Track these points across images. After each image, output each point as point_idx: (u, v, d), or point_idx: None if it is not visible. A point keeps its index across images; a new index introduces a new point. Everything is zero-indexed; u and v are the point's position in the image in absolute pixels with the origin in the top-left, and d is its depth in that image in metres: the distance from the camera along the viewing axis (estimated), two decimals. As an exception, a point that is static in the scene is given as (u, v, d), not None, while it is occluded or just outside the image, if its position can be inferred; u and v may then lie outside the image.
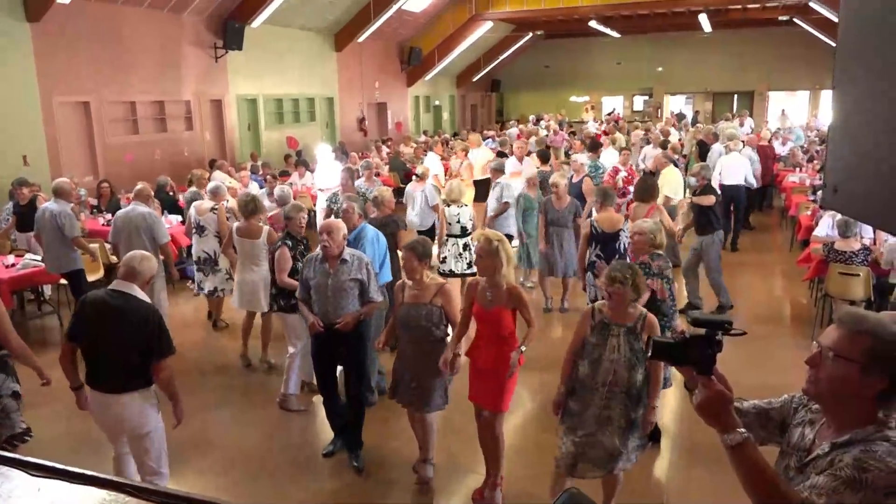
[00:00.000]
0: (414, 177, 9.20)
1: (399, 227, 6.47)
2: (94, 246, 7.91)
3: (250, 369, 6.52)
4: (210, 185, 7.77)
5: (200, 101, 14.28)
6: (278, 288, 5.66)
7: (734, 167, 10.64)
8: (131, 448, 3.97)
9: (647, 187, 7.07)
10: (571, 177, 9.13)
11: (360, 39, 18.61)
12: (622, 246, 6.27)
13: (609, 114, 27.04)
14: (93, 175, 11.63)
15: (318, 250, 4.73)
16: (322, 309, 4.70)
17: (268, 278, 6.36)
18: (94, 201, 10.34)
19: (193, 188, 8.79)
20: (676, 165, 10.72)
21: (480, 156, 11.81)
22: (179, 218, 9.49)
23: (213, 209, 7.36)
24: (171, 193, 10.21)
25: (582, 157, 10.09)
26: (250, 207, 6.26)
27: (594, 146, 11.13)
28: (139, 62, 12.59)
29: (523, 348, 4.10)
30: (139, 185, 7.15)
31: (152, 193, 7.32)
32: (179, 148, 13.81)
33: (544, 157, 10.29)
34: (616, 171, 9.29)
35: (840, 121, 1.67)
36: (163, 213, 9.53)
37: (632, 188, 8.87)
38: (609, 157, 11.09)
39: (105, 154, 12.07)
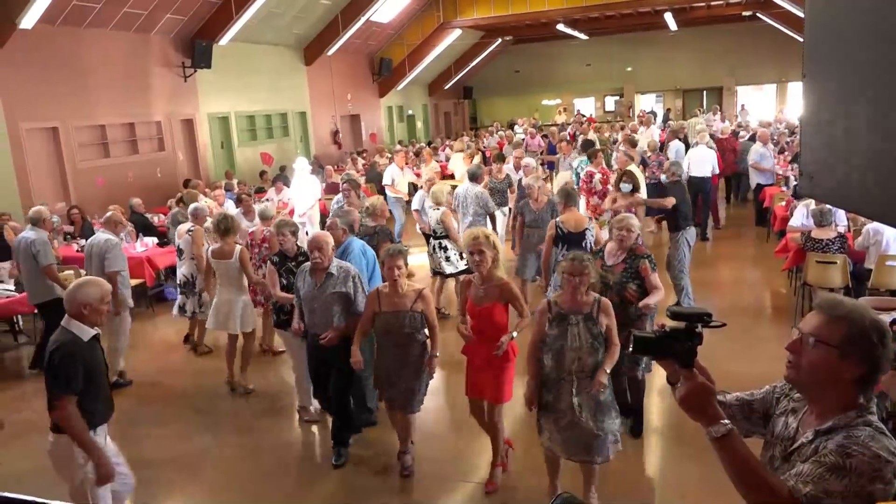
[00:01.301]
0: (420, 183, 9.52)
1: (386, 237, 6.44)
2: (70, 272, 7.77)
3: (235, 394, 6.38)
4: (190, 207, 7.65)
5: (171, 122, 14.14)
6: (275, 304, 5.67)
7: (701, 159, 11.09)
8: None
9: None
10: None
11: (330, 52, 18.57)
12: (588, 245, 6.24)
13: (576, 116, 27.19)
14: (65, 201, 11.43)
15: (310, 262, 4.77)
16: (310, 321, 4.81)
17: (245, 298, 6.32)
18: (69, 228, 10.18)
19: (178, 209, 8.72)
20: (647, 164, 11.00)
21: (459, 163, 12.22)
22: (155, 240, 9.38)
23: (188, 231, 7.28)
24: (144, 214, 10.06)
25: (532, 161, 10.60)
26: (223, 227, 6.16)
27: (587, 146, 11.52)
28: (107, 85, 12.43)
29: (514, 334, 4.19)
30: (109, 212, 6.98)
31: (123, 220, 7.17)
32: (152, 169, 13.65)
33: (499, 158, 10.40)
34: (591, 174, 9.26)
35: (811, 110, 1.68)
36: (137, 236, 9.42)
37: (610, 188, 8.92)
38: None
39: (76, 179, 11.90)
